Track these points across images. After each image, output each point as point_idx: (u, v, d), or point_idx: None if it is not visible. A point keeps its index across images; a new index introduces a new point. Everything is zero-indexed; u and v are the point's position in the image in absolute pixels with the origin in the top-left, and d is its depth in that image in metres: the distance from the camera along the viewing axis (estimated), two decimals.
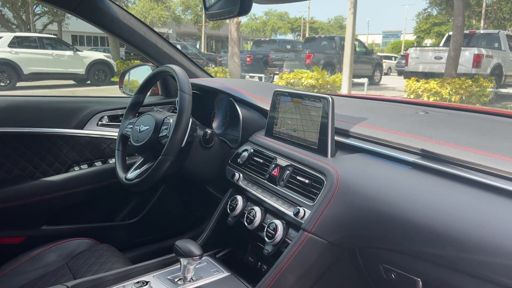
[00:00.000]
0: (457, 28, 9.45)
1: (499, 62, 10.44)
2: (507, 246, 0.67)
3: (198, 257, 0.98)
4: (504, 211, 0.72)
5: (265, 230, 1.07)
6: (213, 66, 16.77)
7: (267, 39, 19.63)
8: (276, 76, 13.30)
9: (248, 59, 14.95)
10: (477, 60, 9.99)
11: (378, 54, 20.82)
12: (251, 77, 15.67)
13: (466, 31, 11.55)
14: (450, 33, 10.34)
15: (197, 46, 27.57)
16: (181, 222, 1.94)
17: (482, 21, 22.12)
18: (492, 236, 0.70)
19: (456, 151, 0.86)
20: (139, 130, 1.32)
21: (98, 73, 13.27)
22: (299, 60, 13.52)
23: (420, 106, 1.41)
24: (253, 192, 1.20)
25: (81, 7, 1.47)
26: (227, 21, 12.51)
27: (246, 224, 1.15)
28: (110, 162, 1.74)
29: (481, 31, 13.14)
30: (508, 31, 18.35)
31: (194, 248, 0.98)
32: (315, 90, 10.49)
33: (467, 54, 9.97)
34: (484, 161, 0.81)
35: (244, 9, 0.85)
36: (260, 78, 13.17)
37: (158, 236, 1.87)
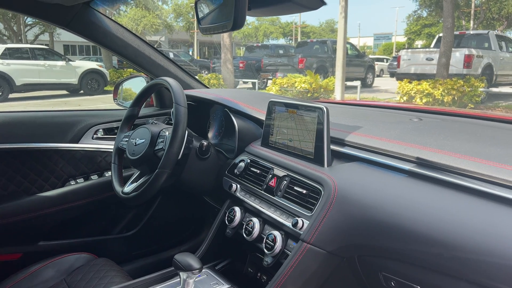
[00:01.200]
0: (447, 30, 9.55)
1: (489, 62, 10.55)
2: (505, 253, 0.68)
3: (197, 270, 0.98)
4: (501, 218, 0.73)
5: (264, 242, 1.07)
6: (206, 72, 16.79)
7: (259, 44, 19.65)
8: (269, 81, 13.34)
9: (241, 65, 14.98)
10: (468, 61, 10.08)
11: (370, 56, 20.95)
12: (244, 82, 15.72)
13: (456, 32, 11.66)
14: (441, 34, 10.44)
15: (190, 53, 27.60)
16: (179, 233, 1.93)
17: (471, 22, 22.38)
18: (490, 243, 0.70)
19: (452, 159, 0.87)
20: (135, 143, 1.32)
21: (91, 82, 13.25)
22: (292, 65, 13.58)
23: (414, 112, 1.43)
24: (251, 203, 1.20)
25: (74, 22, 1.47)
26: None
27: (244, 235, 1.15)
28: (106, 175, 1.74)
29: (471, 32, 13.30)
30: (497, 31, 18.58)
31: (193, 262, 0.98)
32: (308, 95, 10.52)
33: (457, 55, 10.06)
34: (480, 169, 0.82)
35: (237, 24, 0.86)
36: (253, 84, 13.21)
37: (156, 248, 1.86)
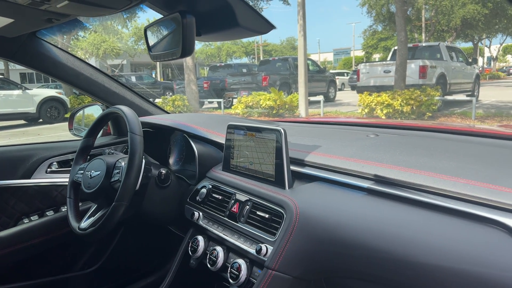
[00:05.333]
0: (401, 43, 9.98)
1: (442, 71, 11.07)
2: (462, 269, 0.69)
3: None
4: (455, 232, 0.74)
5: (228, 271, 1.04)
6: (170, 94, 16.66)
7: (222, 64, 19.79)
8: (235, 100, 13.40)
9: (205, 85, 14.99)
10: (423, 71, 10.55)
11: (331, 71, 21.56)
12: (210, 102, 15.71)
13: (410, 45, 12.20)
14: (396, 47, 10.89)
15: (153, 75, 27.36)
16: (144, 266, 1.86)
17: (423, 34, 23.54)
18: (447, 258, 0.71)
19: (407, 175, 0.88)
20: (90, 175, 1.27)
21: (51, 110, 12.82)
22: (256, 83, 13.73)
23: (371, 128, 1.45)
24: (214, 230, 1.17)
25: (19, 54, 1.41)
26: None
27: (209, 265, 1.11)
28: (63, 210, 1.65)
29: (423, 44, 13.94)
30: (447, 42, 19.63)
31: None
32: (274, 111, 10.64)
33: (413, 66, 10.51)
34: (434, 183, 0.83)
35: (186, 51, 0.85)
36: (219, 103, 13.22)
37: (121, 282, 1.77)
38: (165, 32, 0.95)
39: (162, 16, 0.93)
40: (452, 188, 0.80)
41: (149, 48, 1.04)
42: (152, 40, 1.04)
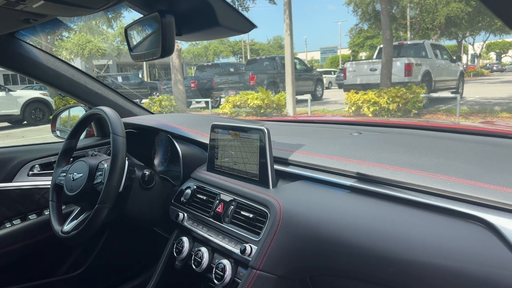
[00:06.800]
0: (387, 41, 10.08)
1: (427, 69, 11.22)
2: (440, 265, 0.69)
3: None
4: (435, 228, 0.74)
5: (213, 272, 1.03)
6: (158, 94, 16.54)
7: (210, 63, 19.74)
8: (222, 100, 13.36)
9: (192, 84, 14.93)
10: (408, 69, 10.66)
11: (318, 70, 21.63)
12: (197, 102, 15.63)
13: (395, 43, 12.33)
14: (381, 45, 11.00)
15: (140, 76, 27.11)
16: (130, 268, 1.84)
17: (408, 32, 23.79)
18: (427, 254, 0.71)
19: (389, 172, 0.89)
20: (73, 178, 1.25)
21: (35, 112, 12.62)
22: (243, 82, 13.71)
23: (354, 126, 1.46)
24: (199, 231, 1.16)
25: None
26: None
27: (194, 266, 1.10)
28: (46, 213, 1.63)
29: (409, 42, 14.11)
30: (432, 40, 19.88)
31: None
32: (261, 111, 10.64)
33: (398, 64, 10.62)
34: (415, 180, 0.84)
35: (166, 51, 0.84)
36: (206, 103, 13.17)
37: (106, 285, 1.75)
38: (145, 32, 0.94)
39: (142, 15, 0.92)
40: (432, 184, 0.80)
41: (130, 48, 1.03)
42: (132, 40, 1.03)
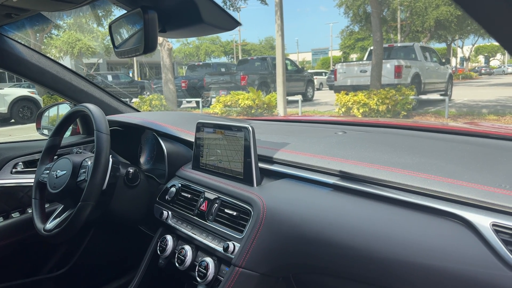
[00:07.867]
0: (377, 43, 10.16)
1: (417, 71, 11.32)
2: (419, 262, 0.70)
3: None
4: (415, 225, 0.75)
5: (196, 270, 1.03)
6: (148, 93, 16.44)
7: (201, 63, 19.65)
8: (213, 99, 13.33)
9: (183, 84, 14.87)
10: (398, 71, 10.76)
11: (309, 71, 21.72)
12: (188, 102, 15.58)
13: (386, 45, 12.42)
14: (372, 47, 11.08)
15: (130, 75, 26.91)
16: (115, 267, 1.82)
17: (398, 35, 24.01)
18: (407, 252, 0.72)
19: (371, 170, 0.89)
20: (56, 175, 1.24)
21: (23, 110, 12.46)
22: (235, 82, 13.70)
23: (340, 125, 1.47)
24: (183, 229, 1.16)
25: None
26: (159, 47, 12.39)
27: (177, 264, 1.10)
28: (29, 211, 1.61)
29: (399, 44, 14.22)
30: (422, 42, 20.09)
31: None
32: (252, 111, 10.64)
33: (388, 66, 10.71)
34: (396, 178, 0.84)
35: (149, 47, 0.84)
36: (197, 103, 13.12)
37: (92, 284, 1.74)
38: (128, 28, 0.94)
39: (126, 11, 0.92)
40: (412, 182, 0.81)
41: (114, 45, 1.02)
42: (117, 37, 1.02)
